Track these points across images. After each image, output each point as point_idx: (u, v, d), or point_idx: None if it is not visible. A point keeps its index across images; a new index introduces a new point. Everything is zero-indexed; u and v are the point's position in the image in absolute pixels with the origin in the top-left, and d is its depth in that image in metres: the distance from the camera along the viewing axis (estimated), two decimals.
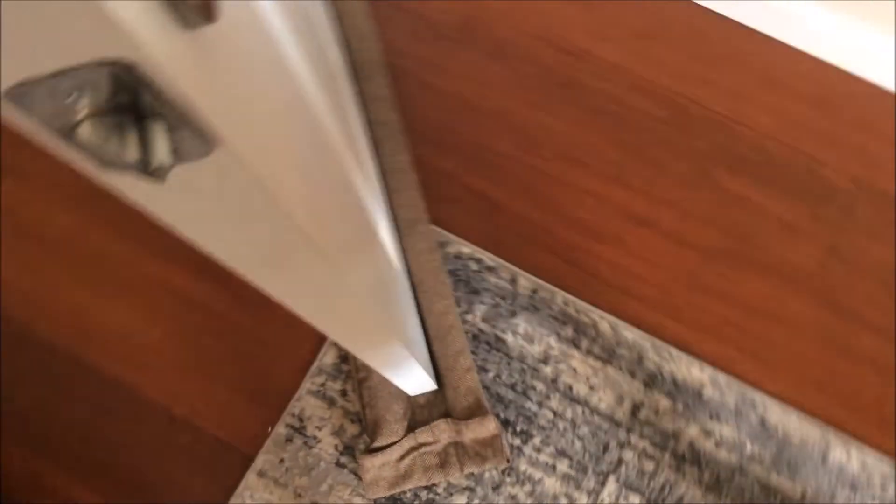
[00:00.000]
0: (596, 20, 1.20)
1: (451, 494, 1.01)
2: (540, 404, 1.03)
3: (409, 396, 1.03)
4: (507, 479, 1.01)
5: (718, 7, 1.18)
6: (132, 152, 0.27)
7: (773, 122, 1.14)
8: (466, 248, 1.10)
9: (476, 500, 1.00)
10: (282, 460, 1.04)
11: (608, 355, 1.05)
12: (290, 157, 0.42)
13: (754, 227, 1.10)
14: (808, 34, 1.13)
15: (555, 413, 1.03)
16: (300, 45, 0.60)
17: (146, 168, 0.27)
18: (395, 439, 1.01)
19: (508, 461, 1.00)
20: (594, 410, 1.03)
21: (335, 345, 1.07)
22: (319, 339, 1.09)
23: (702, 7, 1.19)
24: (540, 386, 1.04)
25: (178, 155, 0.29)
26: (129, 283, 1.12)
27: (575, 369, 1.04)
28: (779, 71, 1.16)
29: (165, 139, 0.27)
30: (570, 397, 1.03)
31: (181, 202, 0.34)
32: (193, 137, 0.28)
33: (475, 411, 1.01)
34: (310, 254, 0.45)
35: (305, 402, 1.05)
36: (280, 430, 1.05)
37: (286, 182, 0.38)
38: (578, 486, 1.00)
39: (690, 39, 1.18)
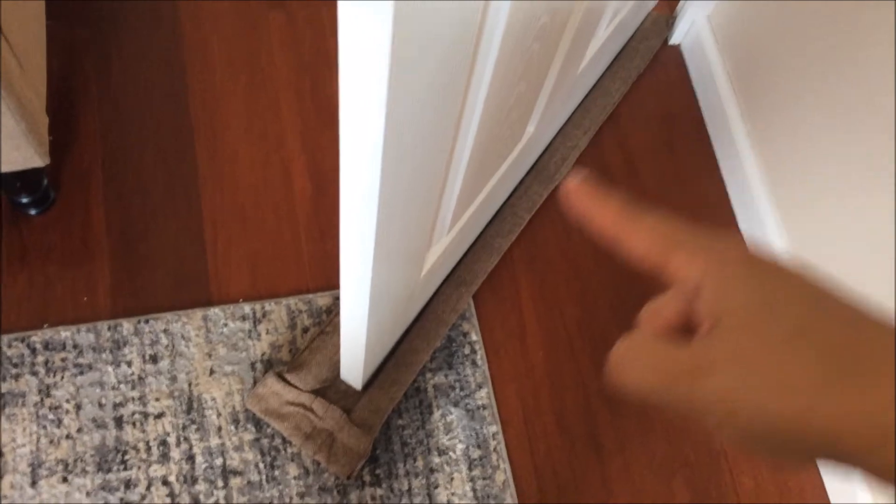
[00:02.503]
0: None
1: (292, 459, 1.10)
2: (407, 474, 1.12)
3: (339, 374, 1.14)
4: (331, 494, 1.09)
5: None
6: None
7: (752, 490, 1.20)
8: (476, 337, 1.22)
9: (302, 480, 1.09)
10: (225, 324, 1.17)
11: (484, 498, 1.12)
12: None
13: None
14: None
15: (409, 491, 1.11)
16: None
17: None
18: (301, 387, 1.12)
19: (348, 478, 1.09)
20: None
21: (336, 299, 1.20)
22: (329, 284, 1.23)
23: None
24: (420, 464, 1.12)
25: None
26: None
27: (452, 480, 1.12)
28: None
29: None
30: (430, 493, 1.11)
31: None
32: None
33: (365, 428, 1.11)
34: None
35: (277, 310, 1.19)
36: (245, 307, 1.19)
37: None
38: None
39: None
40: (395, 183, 0.61)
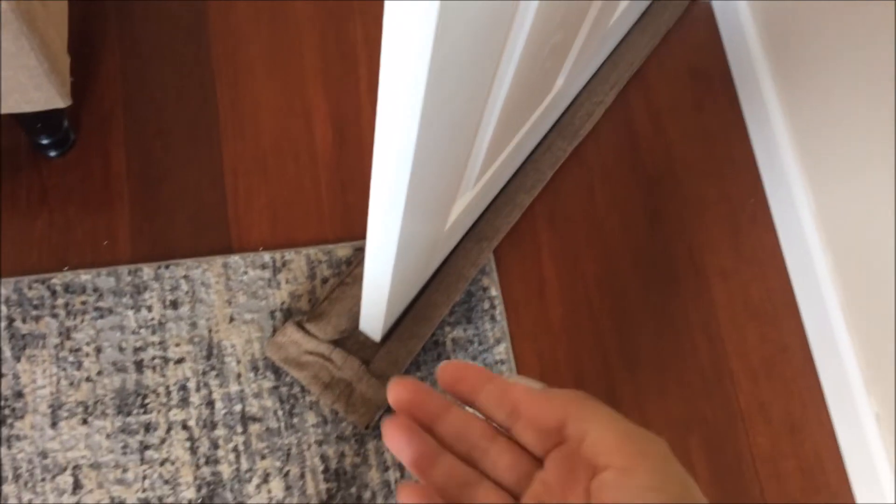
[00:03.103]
0: None
1: (310, 408, 1.11)
2: None
3: (358, 326, 1.14)
4: (349, 443, 1.10)
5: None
6: None
7: (767, 450, 1.20)
8: (495, 292, 1.21)
9: (320, 428, 1.10)
10: (245, 272, 1.17)
11: None
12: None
13: None
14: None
15: None
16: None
17: None
18: (320, 337, 1.12)
19: (366, 428, 1.09)
20: None
21: (360, 250, 1.20)
22: (350, 235, 1.22)
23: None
24: None
25: None
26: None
27: None
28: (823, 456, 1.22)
29: None
30: None
31: None
32: None
33: (384, 379, 1.11)
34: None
35: (297, 259, 1.18)
36: (265, 256, 1.18)
37: None
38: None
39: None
40: (433, 128, 0.59)
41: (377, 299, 0.98)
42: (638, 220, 1.31)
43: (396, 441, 0.36)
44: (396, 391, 0.36)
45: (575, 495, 0.33)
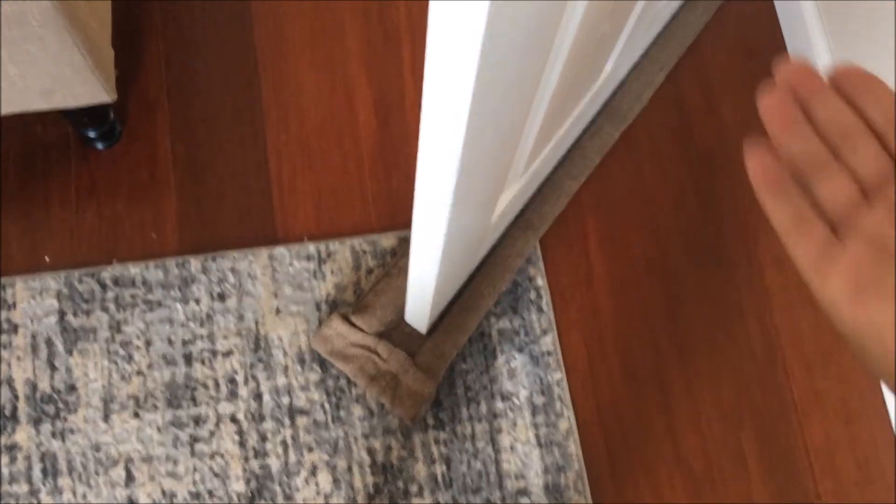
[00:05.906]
0: None
1: (357, 401, 1.11)
2: (471, 418, 1.11)
3: (403, 317, 1.13)
4: (395, 436, 1.09)
5: None
6: None
7: (821, 441, 1.17)
8: (541, 282, 1.19)
9: (366, 421, 1.10)
10: (290, 264, 1.16)
11: (547, 445, 1.11)
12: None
13: (727, 482, 1.15)
14: None
15: (473, 436, 1.11)
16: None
17: None
18: (365, 329, 1.11)
19: (412, 421, 1.09)
20: (496, 464, 1.10)
21: (405, 240, 1.19)
22: (394, 222, 1.21)
23: None
24: (483, 409, 1.12)
25: None
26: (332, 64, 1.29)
27: (516, 425, 1.12)
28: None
29: None
30: (493, 438, 1.11)
31: None
32: None
33: (429, 372, 1.10)
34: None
35: (342, 250, 1.18)
36: (310, 247, 1.18)
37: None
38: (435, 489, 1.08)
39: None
40: (482, 122, 0.57)
41: (422, 293, 0.97)
42: (689, 205, 1.27)
43: (767, 105, 0.35)
44: (782, 69, 0.35)
45: None
